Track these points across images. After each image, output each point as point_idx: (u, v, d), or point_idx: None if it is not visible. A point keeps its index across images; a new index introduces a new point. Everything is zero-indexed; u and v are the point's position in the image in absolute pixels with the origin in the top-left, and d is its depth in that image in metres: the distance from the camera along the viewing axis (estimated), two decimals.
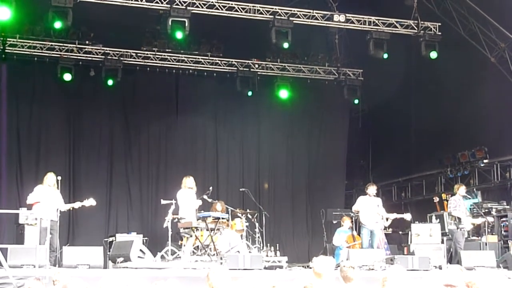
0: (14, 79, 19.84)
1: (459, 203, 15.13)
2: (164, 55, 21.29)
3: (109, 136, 21.23)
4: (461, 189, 15.40)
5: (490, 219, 16.57)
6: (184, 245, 14.40)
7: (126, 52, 20.83)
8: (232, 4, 18.34)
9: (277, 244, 17.22)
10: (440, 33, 19.29)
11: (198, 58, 21.66)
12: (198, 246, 14.18)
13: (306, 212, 22.91)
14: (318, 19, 19.10)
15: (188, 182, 14.79)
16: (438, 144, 20.70)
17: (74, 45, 20.38)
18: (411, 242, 17.14)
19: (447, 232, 17.47)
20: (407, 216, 16.02)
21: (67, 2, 16.59)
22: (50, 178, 13.65)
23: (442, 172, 21.16)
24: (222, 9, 18.23)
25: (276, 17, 18.40)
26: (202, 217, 14.13)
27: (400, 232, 19.27)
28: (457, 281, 6.14)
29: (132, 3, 17.58)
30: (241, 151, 22.75)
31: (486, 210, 17.80)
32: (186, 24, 17.54)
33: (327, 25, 19.55)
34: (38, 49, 19.99)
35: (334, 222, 18.30)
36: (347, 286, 7.05)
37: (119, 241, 15.11)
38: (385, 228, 16.09)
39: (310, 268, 7.19)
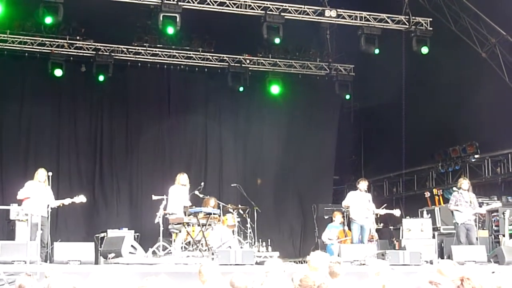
0: (4, 75, 19.78)
1: (459, 198, 15.14)
2: (156, 51, 21.25)
3: (99, 132, 21.18)
4: (464, 183, 15.40)
5: (498, 204, 16.55)
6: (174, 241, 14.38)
7: (117, 47, 20.78)
8: None
9: (269, 239, 17.23)
10: (431, 29, 19.32)
11: (190, 54, 21.64)
12: (189, 242, 14.17)
13: (297, 207, 22.92)
14: (309, 15, 19.09)
15: (182, 179, 14.74)
16: (430, 139, 20.74)
17: (65, 41, 20.31)
18: (402, 237, 17.20)
19: (438, 227, 17.57)
20: (396, 212, 16.03)
21: None
22: (41, 174, 13.57)
23: (434, 167, 21.23)
24: (213, 4, 18.20)
25: (268, 12, 18.37)
26: (194, 212, 14.11)
27: (391, 227, 19.31)
28: (447, 276, 6.16)
29: None
30: (232, 146, 22.73)
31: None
32: (178, 20, 17.47)
33: (319, 20, 19.53)
34: (29, 45, 19.92)
35: (326, 217, 18.31)
36: (333, 281, 7.07)
37: (110, 237, 15.11)
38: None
39: (305, 262, 7.22)
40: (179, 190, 14.57)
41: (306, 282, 5.87)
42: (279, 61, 22.45)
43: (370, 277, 7.28)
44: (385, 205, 16.40)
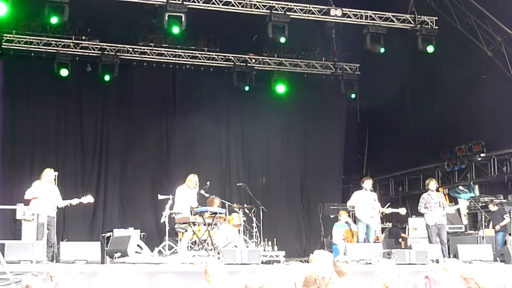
0: (10, 75, 19.83)
1: (428, 200, 14.98)
2: (161, 50, 21.29)
3: (105, 131, 21.24)
4: (431, 184, 15.22)
5: (463, 203, 16.50)
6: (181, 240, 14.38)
7: (123, 47, 20.83)
8: None
9: (275, 239, 17.22)
10: (436, 27, 19.29)
11: (195, 53, 21.67)
12: (195, 241, 14.17)
13: (303, 206, 22.94)
14: (314, 14, 19.08)
15: (192, 181, 14.62)
16: (435, 138, 20.71)
17: (71, 41, 20.37)
18: (408, 236, 17.17)
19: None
20: (402, 211, 15.95)
21: None
22: (50, 174, 13.50)
23: (440, 166, 21.17)
24: (218, 4, 18.20)
25: (273, 11, 18.37)
26: (199, 212, 14.10)
27: (399, 226, 19.30)
28: (450, 275, 6.14)
29: None
30: (238, 145, 22.76)
31: (483, 204, 17.83)
32: (183, 19, 17.48)
33: (324, 19, 19.51)
34: (35, 45, 19.98)
35: (331, 216, 18.30)
36: (341, 280, 7.04)
37: (116, 237, 15.13)
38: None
39: (308, 262, 7.19)
40: (187, 191, 14.49)
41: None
42: (285, 60, 22.45)
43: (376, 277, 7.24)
44: (389, 204, 16.34)
